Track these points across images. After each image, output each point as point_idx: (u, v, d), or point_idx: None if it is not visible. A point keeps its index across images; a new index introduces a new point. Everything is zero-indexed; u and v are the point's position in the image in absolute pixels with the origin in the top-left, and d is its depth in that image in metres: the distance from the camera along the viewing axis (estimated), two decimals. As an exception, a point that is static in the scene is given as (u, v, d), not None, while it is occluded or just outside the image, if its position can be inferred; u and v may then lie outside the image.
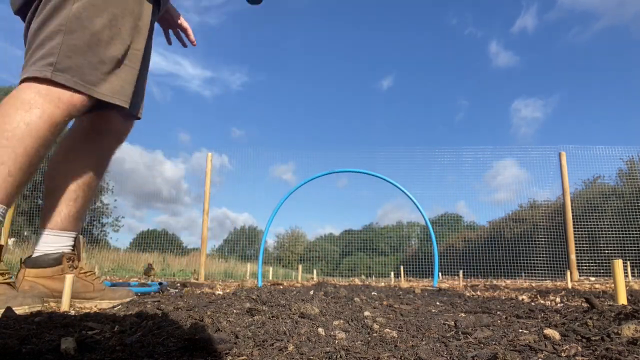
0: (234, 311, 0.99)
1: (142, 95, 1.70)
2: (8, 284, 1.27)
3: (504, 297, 1.93)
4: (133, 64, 1.44)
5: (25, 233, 9.71)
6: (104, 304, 1.50)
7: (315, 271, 7.40)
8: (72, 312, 1.14)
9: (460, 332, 0.83)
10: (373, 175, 3.47)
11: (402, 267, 6.73)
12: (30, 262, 1.44)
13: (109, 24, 1.34)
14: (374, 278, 8.12)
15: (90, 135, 1.59)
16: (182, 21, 1.85)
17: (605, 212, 7.14)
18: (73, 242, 1.55)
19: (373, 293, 1.74)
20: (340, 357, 0.63)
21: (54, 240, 1.49)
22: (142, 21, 1.45)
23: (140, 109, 1.70)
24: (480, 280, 6.16)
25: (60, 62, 1.25)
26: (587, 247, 6.79)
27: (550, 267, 6.92)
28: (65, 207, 1.50)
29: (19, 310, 1.14)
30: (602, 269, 6.49)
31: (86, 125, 1.59)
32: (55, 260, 1.45)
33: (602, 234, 6.91)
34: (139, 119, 1.72)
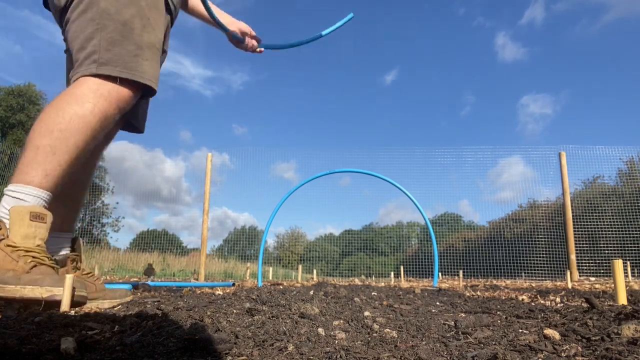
0: (234, 311, 0.99)
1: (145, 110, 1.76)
2: (53, 267, 1.27)
3: (504, 297, 1.93)
4: (159, 57, 1.48)
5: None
6: (106, 304, 1.50)
7: (315, 271, 7.40)
8: (72, 312, 1.14)
9: (460, 332, 0.83)
10: (373, 175, 3.47)
11: (402, 267, 6.73)
12: None
13: (137, 13, 1.39)
14: (374, 278, 8.13)
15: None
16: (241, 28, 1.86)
17: (605, 212, 7.14)
18: (72, 243, 1.55)
19: (373, 293, 1.74)
20: (340, 357, 0.63)
21: (55, 242, 1.50)
22: (161, 10, 1.49)
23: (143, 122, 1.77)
24: (480, 280, 6.16)
25: (103, 57, 1.32)
26: (587, 247, 6.79)
27: (550, 267, 6.92)
28: (62, 209, 1.51)
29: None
30: (602, 269, 6.49)
31: None
32: (59, 263, 1.45)
33: (602, 234, 6.91)
34: (141, 132, 1.78)
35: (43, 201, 1.26)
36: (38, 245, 1.22)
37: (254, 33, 1.89)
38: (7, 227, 1.19)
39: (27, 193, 1.23)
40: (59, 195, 1.51)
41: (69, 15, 1.39)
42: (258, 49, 1.91)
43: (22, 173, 1.23)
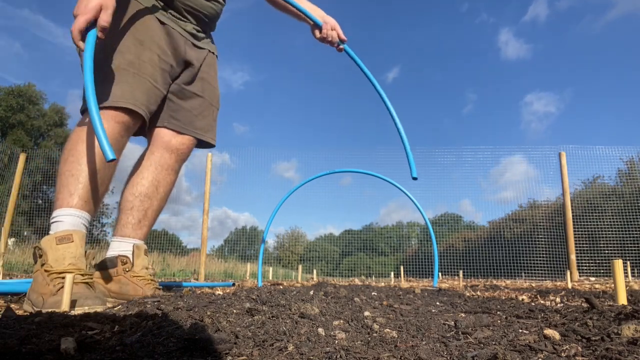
0: (234, 311, 0.99)
1: (202, 118, 1.87)
2: (87, 283, 1.33)
3: (504, 297, 1.93)
4: (143, 74, 1.58)
5: (25, 233, 9.70)
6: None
7: (315, 271, 7.41)
8: (72, 312, 1.14)
9: (460, 332, 0.83)
10: (373, 175, 3.47)
11: (402, 267, 6.73)
12: (97, 266, 1.63)
13: (102, 49, 1.50)
14: (374, 278, 8.13)
15: (147, 149, 1.81)
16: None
17: (605, 212, 7.14)
18: (132, 248, 1.70)
19: (373, 293, 1.74)
20: (340, 357, 0.63)
21: (116, 246, 1.69)
22: (143, 35, 1.59)
23: (202, 131, 1.88)
24: (480, 280, 6.16)
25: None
26: (587, 247, 6.79)
27: (550, 267, 6.93)
28: (124, 216, 1.71)
29: (79, 310, 1.19)
30: (602, 269, 6.49)
31: (148, 142, 1.83)
32: (111, 263, 1.61)
33: (602, 234, 6.91)
34: (211, 145, 1.92)
35: (77, 218, 1.41)
36: (70, 264, 1.32)
37: (339, 30, 1.90)
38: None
39: (62, 214, 1.39)
40: (122, 205, 1.73)
41: None
42: (339, 46, 1.91)
43: (55, 200, 1.43)
